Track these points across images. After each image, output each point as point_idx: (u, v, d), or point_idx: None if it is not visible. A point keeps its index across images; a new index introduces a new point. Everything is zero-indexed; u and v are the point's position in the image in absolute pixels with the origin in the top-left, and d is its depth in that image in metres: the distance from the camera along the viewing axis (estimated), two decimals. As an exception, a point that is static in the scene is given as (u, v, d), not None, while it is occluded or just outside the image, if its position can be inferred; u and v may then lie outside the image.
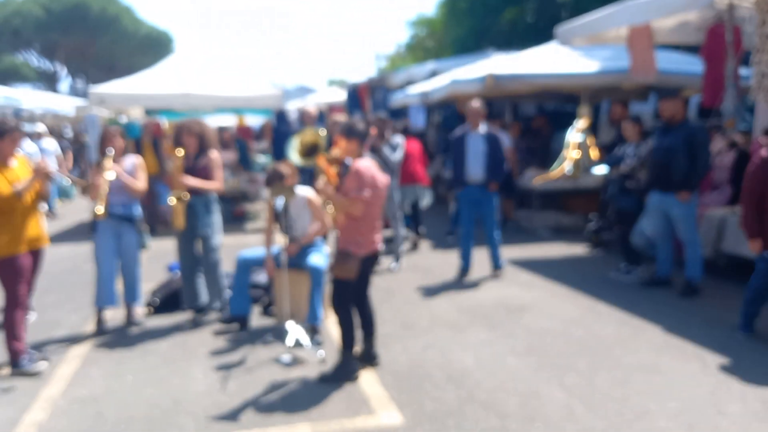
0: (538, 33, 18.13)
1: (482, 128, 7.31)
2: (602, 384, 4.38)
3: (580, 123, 9.75)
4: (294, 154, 4.75)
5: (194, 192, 5.65)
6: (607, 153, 8.37)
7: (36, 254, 4.98)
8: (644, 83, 9.31)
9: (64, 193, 12.53)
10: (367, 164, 4.54)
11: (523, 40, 18.43)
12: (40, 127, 12.69)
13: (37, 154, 10.50)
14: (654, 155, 6.51)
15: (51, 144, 12.41)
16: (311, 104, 25.65)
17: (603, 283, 6.94)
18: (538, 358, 4.88)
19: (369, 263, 4.64)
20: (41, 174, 4.80)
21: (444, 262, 8.07)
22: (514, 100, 12.78)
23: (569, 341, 5.21)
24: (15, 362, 4.77)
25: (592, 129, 11.30)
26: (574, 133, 9.60)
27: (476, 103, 7.35)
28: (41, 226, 4.99)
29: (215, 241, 5.85)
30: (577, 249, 8.71)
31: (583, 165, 9.98)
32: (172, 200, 5.57)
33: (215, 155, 5.86)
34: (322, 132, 4.84)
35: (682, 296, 6.30)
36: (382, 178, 4.62)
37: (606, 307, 6.08)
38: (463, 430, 3.80)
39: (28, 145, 9.31)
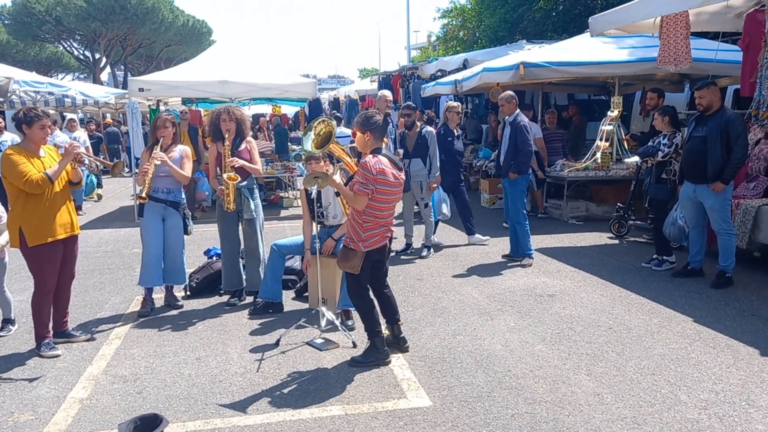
0: (571, 23, 17.93)
1: (510, 117, 7.40)
2: (632, 373, 4.40)
3: (613, 113, 9.69)
4: (308, 144, 4.70)
5: (240, 176, 5.80)
6: (640, 143, 8.33)
7: (68, 242, 5.03)
8: (679, 72, 9.19)
9: (90, 189, 12.62)
10: (377, 159, 4.45)
11: (556, 31, 18.25)
12: (72, 117, 12.84)
13: (62, 138, 10.82)
14: (688, 145, 6.45)
15: (81, 135, 12.58)
16: (343, 93, 25.82)
17: (633, 273, 6.93)
18: (568, 345, 4.92)
19: (376, 256, 4.62)
20: (71, 155, 4.84)
21: (474, 250, 8.13)
22: (546, 89, 12.70)
23: (599, 330, 5.24)
24: (37, 345, 4.96)
25: (625, 119, 11.24)
26: (606, 123, 9.57)
27: (506, 92, 7.52)
28: (72, 213, 5.05)
29: (258, 226, 6.01)
30: (606, 238, 8.69)
31: (614, 155, 9.94)
32: (224, 181, 5.71)
33: (252, 140, 6.02)
34: (333, 121, 4.83)
35: (715, 287, 6.26)
36: (396, 174, 4.52)
37: (636, 297, 6.08)
38: (491, 414, 3.87)
39: (59, 136, 9.52)
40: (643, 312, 5.67)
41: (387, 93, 8.79)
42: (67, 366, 4.72)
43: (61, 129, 13.25)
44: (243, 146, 5.95)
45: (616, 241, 8.57)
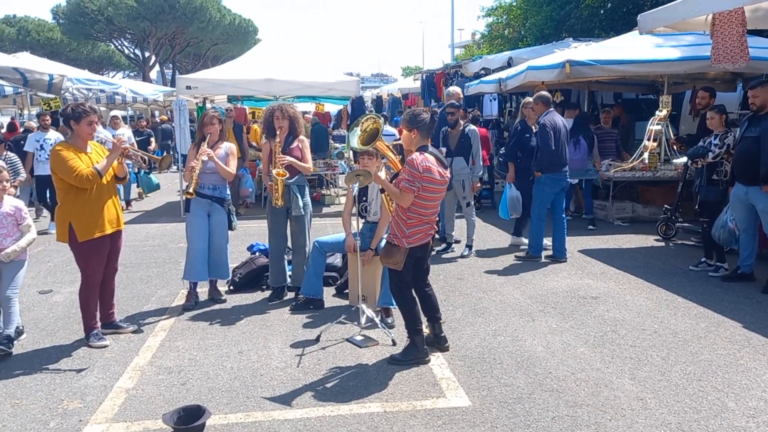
0: (619, 21, 17.58)
1: (541, 118, 7.48)
2: (677, 378, 4.30)
3: (661, 112, 9.47)
4: (355, 140, 4.73)
5: (290, 174, 5.86)
6: (689, 144, 8.13)
7: (113, 236, 5.12)
8: (732, 71, 8.92)
9: (145, 185, 12.69)
10: (423, 156, 4.46)
11: (603, 29, 17.93)
12: (115, 114, 12.87)
13: (105, 134, 10.92)
14: (740, 145, 6.27)
15: (126, 132, 12.64)
16: (386, 92, 25.84)
17: (680, 276, 6.77)
18: (611, 349, 4.83)
19: (419, 253, 4.62)
20: (119, 150, 4.92)
21: (516, 250, 8.05)
22: (592, 88, 12.49)
23: (643, 333, 5.14)
24: (86, 336, 5.09)
25: (674, 119, 10.97)
26: (654, 123, 9.37)
27: (527, 98, 7.88)
28: (118, 208, 5.15)
29: (306, 223, 6.07)
30: (653, 240, 8.51)
31: (662, 155, 9.72)
32: (273, 177, 5.78)
33: (304, 138, 6.08)
34: (381, 118, 4.84)
35: (766, 292, 6.07)
36: (441, 172, 4.52)
37: (683, 301, 5.94)
38: (531, 416, 3.83)
39: (101, 133, 9.70)
40: (689, 316, 5.53)
41: (458, 89, 8.70)
42: (115, 356, 4.85)
43: (105, 126, 13.47)
44: (295, 144, 6.00)
45: (663, 244, 8.38)
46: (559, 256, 7.51)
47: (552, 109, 7.61)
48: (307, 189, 6.17)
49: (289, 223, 6.12)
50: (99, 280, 5.09)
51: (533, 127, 7.99)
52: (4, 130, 15.80)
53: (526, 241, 8.15)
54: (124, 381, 4.40)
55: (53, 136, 9.85)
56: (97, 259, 5.01)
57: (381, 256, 4.62)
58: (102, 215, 4.93)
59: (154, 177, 13.02)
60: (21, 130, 13.82)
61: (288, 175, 5.82)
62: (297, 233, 6.10)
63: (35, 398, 4.15)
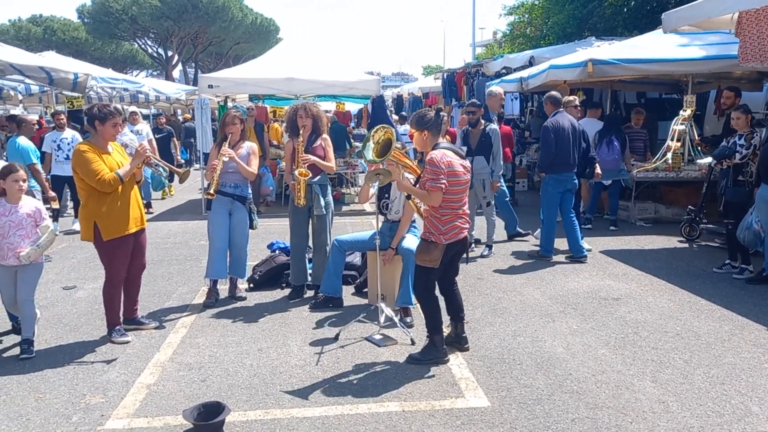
0: (642, 19, 17.38)
1: (549, 119, 7.57)
2: (700, 381, 4.25)
3: (685, 112, 9.35)
4: (370, 153, 4.67)
5: (312, 173, 5.88)
6: (714, 144, 8.02)
7: (137, 234, 5.17)
8: (759, 70, 8.78)
9: (161, 185, 12.57)
10: (441, 152, 4.47)
11: (626, 27, 17.73)
12: (134, 110, 12.76)
13: (130, 137, 10.53)
14: (766, 146, 6.17)
15: (144, 128, 12.46)
16: (407, 91, 25.83)
17: (704, 278, 6.68)
18: (632, 350, 4.78)
19: (455, 249, 4.62)
20: (142, 157, 4.97)
21: (536, 250, 7.99)
22: (615, 87, 12.37)
23: (665, 335, 5.08)
24: (108, 332, 5.15)
25: (698, 119, 10.83)
26: (678, 123, 9.26)
27: (553, 93, 7.78)
28: (141, 207, 5.21)
29: (327, 222, 6.09)
30: (676, 242, 8.41)
31: (685, 155, 9.60)
32: (296, 175, 5.79)
33: (327, 137, 6.09)
34: (391, 128, 4.79)
35: (793, 296, 5.97)
36: (463, 164, 4.55)
37: (706, 303, 5.85)
38: (551, 418, 3.80)
39: (126, 135, 9.57)
40: (713, 319, 5.46)
41: (500, 89, 8.55)
42: (136, 352, 4.90)
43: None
44: (318, 143, 6.01)
45: (686, 245, 8.28)
46: (577, 254, 7.47)
47: (561, 109, 7.63)
48: (329, 188, 6.17)
49: (310, 222, 6.14)
50: (123, 278, 5.14)
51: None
52: (37, 128, 16.07)
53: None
54: (145, 377, 4.45)
55: (69, 135, 9.72)
56: (122, 258, 5.06)
57: (418, 253, 4.59)
58: (127, 215, 4.99)
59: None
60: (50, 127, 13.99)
61: (311, 174, 5.84)
62: (318, 232, 6.12)
63: (58, 392, 4.21)
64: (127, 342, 5.07)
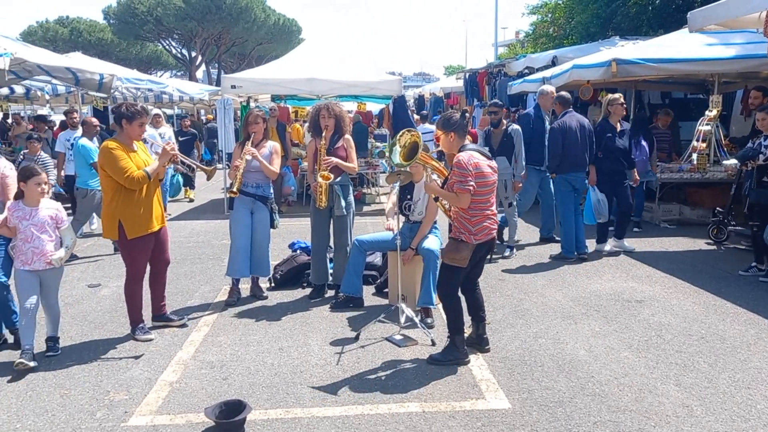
0: (668, 18, 17.16)
1: (558, 119, 7.68)
2: (725, 386, 4.19)
3: (711, 112, 9.23)
4: (397, 157, 4.70)
5: (334, 174, 5.90)
6: (742, 145, 7.89)
7: (158, 232, 5.23)
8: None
9: (177, 190, 12.38)
10: (468, 154, 4.47)
11: (651, 27, 17.53)
12: (157, 113, 12.69)
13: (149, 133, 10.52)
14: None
15: (167, 131, 12.10)
16: (428, 91, 25.79)
17: (729, 281, 6.58)
18: (656, 354, 4.73)
19: (483, 250, 4.64)
20: (168, 156, 5.03)
21: (559, 251, 7.93)
22: (640, 87, 12.22)
23: (690, 339, 5.01)
24: (132, 329, 5.21)
25: (724, 119, 10.67)
26: (704, 123, 9.14)
27: (562, 93, 7.97)
28: (161, 206, 5.27)
29: (348, 223, 6.11)
30: (701, 243, 8.29)
31: (711, 156, 9.46)
32: (319, 180, 5.82)
33: (349, 138, 6.10)
34: (417, 131, 4.85)
35: (821, 299, 5.85)
36: (490, 165, 4.55)
37: (732, 306, 5.77)
38: (573, 420, 3.77)
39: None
40: (738, 322, 5.37)
41: (551, 88, 8.43)
42: (159, 350, 4.95)
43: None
44: (340, 143, 6.03)
45: (712, 247, 8.16)
46: (579, 249, 7.66)
47: (570, 109, 7.75)
48: (350, 188, 6.19)
49: (331, 222, 6.16)
50: (143, 275, 5.20)
51: (617, 126, 7.69)
52: (57, 127, 16.31)
53: (608, 248, 7.90)
54: (168, 374, 4.49)
55: (81, 133, 9.25)
56: (144, 255, 5.13)
57: (447, 252, 4.59)
58: (150, 213, 5.05)
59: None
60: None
61: (333, 177, 5.86)
62: (339, 232, 6.13)
63: (83, 389, 4.27)
64: (150, 340, 5.12)
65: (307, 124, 6.41)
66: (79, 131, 9.19)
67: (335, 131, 6.02)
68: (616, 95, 7.85)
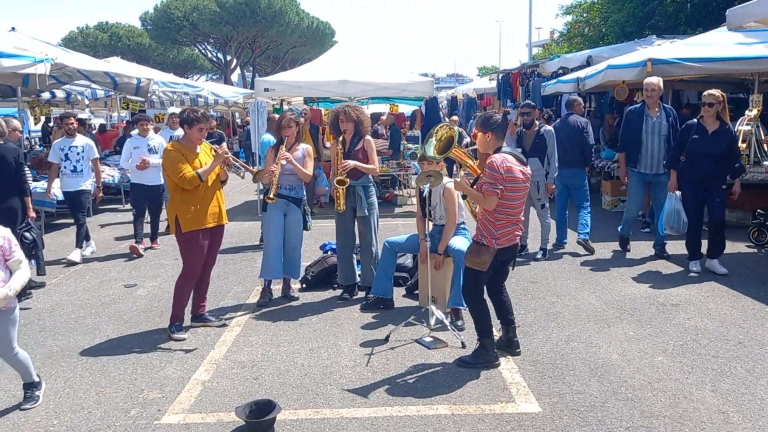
0: (707, 16, 16.79)
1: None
2: (762, 392, 4.08)
3: (751, 112, 9.01)
4: (431, 149, 4.73)
5: (354, 175, 5.94)
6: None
7: (215, 231, 5.43)
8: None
9: None
10: (502, 157, 4.42)
11: (690, 25, 17.19)
12: (173, 112, 12.46)
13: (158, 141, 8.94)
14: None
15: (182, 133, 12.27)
16: (461, 92, 25.71)
17: (770, 285, 6.41)
18: (691, 358, 4.63)
19: (506, 255, 4.59)
20: (221, 158, 5.24)
21: (594, 254, 7.83)
22: (677, 87, 11.99)
23: (727, 344, 4.89)
24: (169, 325, 5.32)
25: (765, 119, 10.39)
26: (744, 123, 8.93)
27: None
28: (222, 205, 5.46)
29: (372, 223, 6.13)
30: (741, 246, 8.08)
31: (751, 157, 9.23)
32: (335, 184, 5.89)
33: (370, 139, 6.13)
34: (455, 126, 4.87)
35: None
36: (523, 170, 4.48)
37: (772, 311, 5.62)
38: (604, 425, 3.72)
39: (152, 139, 8.55)
40: (779, 327, 5.23)
41: (654, 80, 7.57)
42: (192, 349, 5.03)
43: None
44: (359, 145, 6.07)
45: (752, 250, 7.96)
46: (559, 241, 8.20)
47: (573, 111, 8.38)
48: (372, 189, 6.22)
49: (356, 223, 6.19)
50: (198, 272, 5.34)
51: (711, 127, 6.78)
52: (95, 131, 16.69)
53: (696, 268, 6.92)
54: (200, 373, 4.56)
55: (81, 142, 8.20)
56: (199, 251, 5.28)
57: (468, 255, 4.57)
58: (205, 210, 5.25)
59: None
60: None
61: (349, 181, 5.90)
62: (363, 233, 6.17)
63: (118, 387, 4.36)
64: (183, 339, 5.21)
65: (328, 128, 6.38)
66: (78, 139, 8.20)
67: (355, 133, 6.06)
68: (714, 91, 6.96)
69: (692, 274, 6.83)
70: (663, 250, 7.68)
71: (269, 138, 7.73)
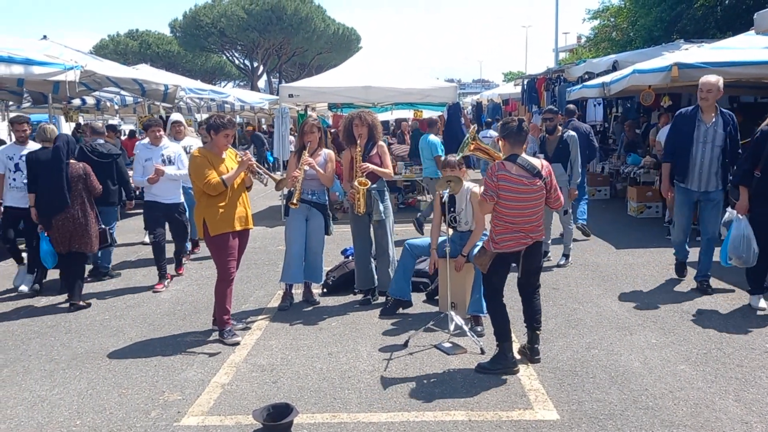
0: (737, 20, 16.53)
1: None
2: (788, 402, 4.00)
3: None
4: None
5: (370, 180, 5.97)
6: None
7: (242, 235, 5.47)
8: None
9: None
10: (500, 165, 4.47)
11: (719, 29, 16.93)
12: (178, 120, 11.48)
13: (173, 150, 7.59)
14: None
15: (194, 141, 9.41)
16: (486, 98, 25.60)
17: (800, 294, 6.25)
18: (715, 367, 4.55)
19: (509, 261, 4.63)
20: (245, 165, 5.30)
21: (616, 261, 7.74)
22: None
23: (752, 353, 4.80)
24: (220, 331, 5.36)
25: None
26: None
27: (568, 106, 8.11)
28: (248, 209, 5.51)
29: (388, 227, 6.15)
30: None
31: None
32: (356, 185, 5.93)
33: (383, 144, 6.19)
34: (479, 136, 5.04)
35: None
36: (528, 180, 4.43)
37: (801, 320, 5.50)
38: (623, 433, 3.68)
39: (168, 147, 7.39)
40: (807, 337, 5.12)
41: (712, 79, 6.16)
42: (213, 352, 5.08)
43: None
44: (374, 151, 6.13)
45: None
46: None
47: (573, 118, 8.87)
48: (387, 194, 6.26)
49: (372, 229, 6.21)
50: (233, 275, 5.37)
51: None
52: (125, 137, 16.99)
53: (761, 304, 5.80)
54: (220, 376, 4.61)
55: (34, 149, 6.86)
56: (229, 254, 5.32)
57: (475, 256, 4.75)
58: (232, 213, 5.31)
59: None
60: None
61: (370, 183, 5.94)
62: (379, 237, 6.20)
63: (139, 388, 4.42)
64: (237, 343, 5.23)
65: (341, 134, 6.27)
66: (30, 145, 7.06)
67: (369, 139, 6.11)
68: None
69: (760, 312, 5.72)
70: (707, 282, 6.45)
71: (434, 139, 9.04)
